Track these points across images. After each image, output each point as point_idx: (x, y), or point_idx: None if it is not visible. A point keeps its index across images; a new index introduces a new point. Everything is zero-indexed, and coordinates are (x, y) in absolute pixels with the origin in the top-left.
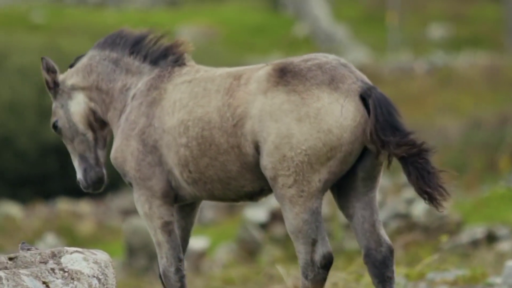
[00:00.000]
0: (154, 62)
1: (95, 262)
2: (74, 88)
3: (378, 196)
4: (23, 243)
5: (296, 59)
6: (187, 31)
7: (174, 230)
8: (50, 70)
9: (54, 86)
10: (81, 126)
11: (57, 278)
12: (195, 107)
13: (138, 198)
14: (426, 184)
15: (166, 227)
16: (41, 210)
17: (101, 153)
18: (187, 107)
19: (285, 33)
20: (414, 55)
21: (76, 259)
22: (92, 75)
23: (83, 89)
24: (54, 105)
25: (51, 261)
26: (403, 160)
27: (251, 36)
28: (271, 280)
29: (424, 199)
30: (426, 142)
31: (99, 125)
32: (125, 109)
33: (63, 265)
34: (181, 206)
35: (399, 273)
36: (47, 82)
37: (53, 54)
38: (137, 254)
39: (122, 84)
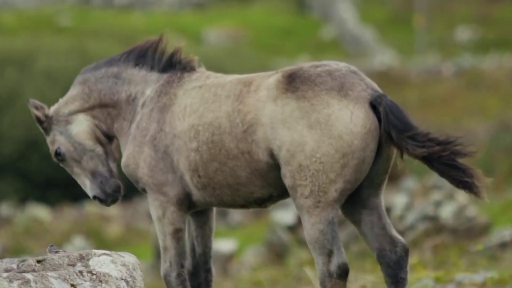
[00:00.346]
0: (163, 70)
1: (123, 265)
2: (71, 114)
3: (406, 198)
4: (51, 245)
5: (306, 65)
6: (214, 34)
7: (183, 237)
8: (38, 107)
9: (46, 119)
10: (89, 142)
11: (85, 281)
12: (206, 112)
13: (152, 203)
14: (461, 173)
15: (177, 234)
16: (69, 212)
17: (113, 166)
18: (197, 112)
19: (312, 36)
20: (441, 58)
21: (104, 262)
22: (93, 95)
23: (83, 111)
24: (51, 135)
25: (79, 264)
26: (426, 160)
27: (278, 39)
28: (299, 283)
29: (464, 189)
30: (450, 135)
31: (106, 139)
32: (135, 118)
33: (91, 268)
34: (196, 216)
35: (427, 275)
36: (38, 118)
37: (79, 57)
38: None
39: (126, 94)
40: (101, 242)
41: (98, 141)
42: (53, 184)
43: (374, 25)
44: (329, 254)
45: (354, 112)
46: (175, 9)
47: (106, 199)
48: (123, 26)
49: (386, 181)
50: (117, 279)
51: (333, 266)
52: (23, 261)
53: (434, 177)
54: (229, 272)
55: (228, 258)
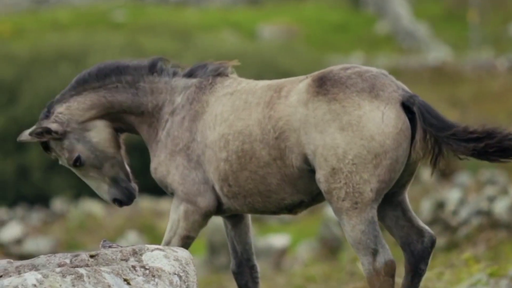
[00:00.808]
0: (190, 74)
1: (176, 260)
2: (87, 121)
3: (459, 194)
4: (104, 240)
5: (336, 68)
6: (268, 30)
7: (190, 244)
8: (44, 133)
9: (57, 133)
10: (111, 150)
11: (138, 276)
12: (236, 120)
13: (177, 206)
14: None
15: (186, 240)
16: (123, 208)
17: (128, 169)
18: (227, 121)
19: (366, 32)
20: (495, 53)
21: (157, 257)
22: (114, 107)
23: (102, 118)
24: (65, 143)
25: (132, 259)
26: (475, 155)
27: (332, 34)
28: (352, 278)
29: None
30: (487, 126)
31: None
32: (165, 125)
33: (144, 263)
34: (230, 216)
35: (481, 270)
36: (50, 138)
37: (133, 53)
38: (218, 251)
39: (152, 105)
40: (154, 237)
41: (118, 147)
42: None
43: (428, 21)
44: (374, 253)
45: (385, 112)
46: (229, 5)
47: (128, 202)
48: (177, 22)
49: (411, 181)
50: (170, 274)
51: (379, 264)
52: (76, 256)
53: (488, 172)
54: (282, 267)
55: (281, 253)
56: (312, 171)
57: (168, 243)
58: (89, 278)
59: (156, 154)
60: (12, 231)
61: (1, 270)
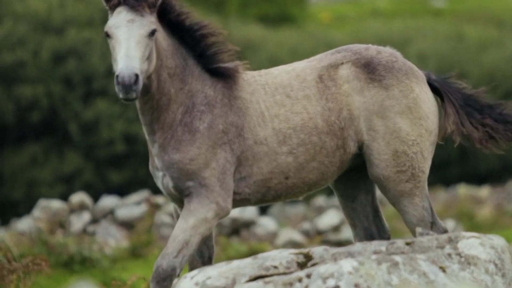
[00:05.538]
0: (211, 71)
1: (492, 247)
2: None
3: None
4: (420, 228)
5: (370, 52)
6: None
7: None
8: None
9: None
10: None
11: (453, 263)
12: (290, 115)
13: (208, 203)
14: None
15: (207, 235)
16: (441, 195)
17: None
18: (279, 116)
19: None
20: None
21: (472, 244)
22: (172, 61)
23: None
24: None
25: (447, 246)
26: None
27: None
28: None
29: None
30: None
31: None
32: (202, 116)
33: (460, 250)
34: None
35: None
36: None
37: (455, 40)
38: None
39: (188, 88)
40: (472, 225)
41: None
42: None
43: None
44: (431, 226)
45: (427, 92)
46: None
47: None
48: (498, 9)
49: None
50: (485, 261)
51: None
52: (392, 243)
53: None
54: None
55: None
56: (357, 155)
57: (187, 244)
58: (404, 265)
59: (195, 145)
60: (330, 218)
61: (317, 257)
